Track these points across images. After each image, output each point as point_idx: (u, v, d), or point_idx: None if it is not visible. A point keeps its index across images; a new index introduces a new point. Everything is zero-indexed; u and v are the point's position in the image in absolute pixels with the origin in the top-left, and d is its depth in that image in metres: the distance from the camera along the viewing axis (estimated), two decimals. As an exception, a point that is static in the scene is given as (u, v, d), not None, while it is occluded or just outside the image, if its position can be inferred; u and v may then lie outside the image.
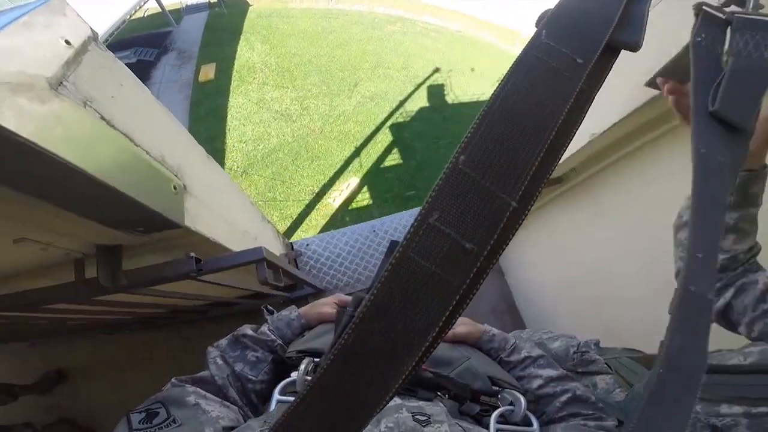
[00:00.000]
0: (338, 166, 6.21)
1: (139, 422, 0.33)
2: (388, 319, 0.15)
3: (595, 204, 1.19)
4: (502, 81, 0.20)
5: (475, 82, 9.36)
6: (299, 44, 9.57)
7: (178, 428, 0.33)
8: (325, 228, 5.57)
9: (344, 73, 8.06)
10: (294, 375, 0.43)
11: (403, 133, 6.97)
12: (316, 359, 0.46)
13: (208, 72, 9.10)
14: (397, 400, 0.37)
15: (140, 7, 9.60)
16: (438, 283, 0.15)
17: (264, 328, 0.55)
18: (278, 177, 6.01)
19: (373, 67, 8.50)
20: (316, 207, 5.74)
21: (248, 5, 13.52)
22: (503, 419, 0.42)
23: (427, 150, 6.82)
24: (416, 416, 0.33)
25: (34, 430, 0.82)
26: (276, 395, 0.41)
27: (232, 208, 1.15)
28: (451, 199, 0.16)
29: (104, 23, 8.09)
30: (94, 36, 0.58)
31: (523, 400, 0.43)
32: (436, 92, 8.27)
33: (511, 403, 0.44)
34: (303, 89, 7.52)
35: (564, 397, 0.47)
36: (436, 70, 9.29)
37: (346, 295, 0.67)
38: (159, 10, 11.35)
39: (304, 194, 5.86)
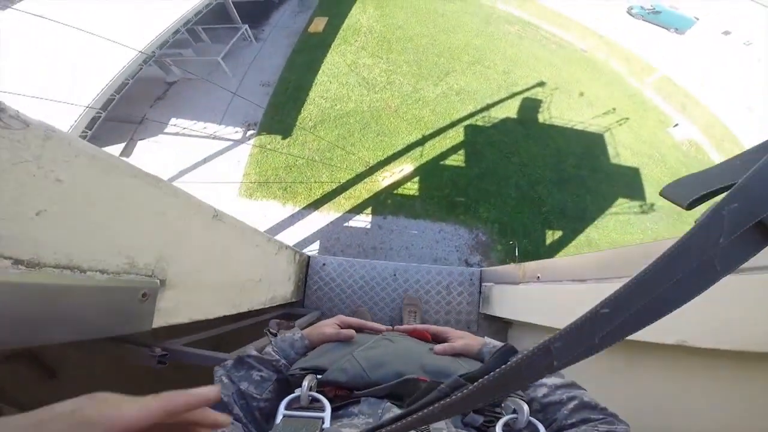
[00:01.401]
0: (400, 147, 6.12)
1: None
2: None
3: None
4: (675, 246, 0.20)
5: (578, 108, 8.42)
6: (408, 19, 9.41)
7: None
8: (365, 204, 5.62)
9: (440, 59, 7.76)
10: (298, 391, 0.44)
11: (477, 137, 6.55)
12: (319, 376, 0.47)
13: (318, 24, 9.56)
14: (396, 411, 0.37)
15: None
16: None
17: (268, 348, 0.56)
18: (342, 141, 6.16)
19: (472, 62, 8.01)
20: (364, 180, 5.79)
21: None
22: (508, 427, 0.41)
23: (495, 162, 6.33)
24: None
25: None
26: (282, 410, 0.42)
27: (238, 260, 1.03)
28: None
29: None
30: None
31: (525, 406, 0.41)
32: (530, 106, 7.55)
33: (514, 411, 0.42)
34: (395, 63, 7.46)
35: (571, 404, 0.46)
36: (540, 83, 8.41)
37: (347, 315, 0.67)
38: None
39: (358, 165, 5.93)
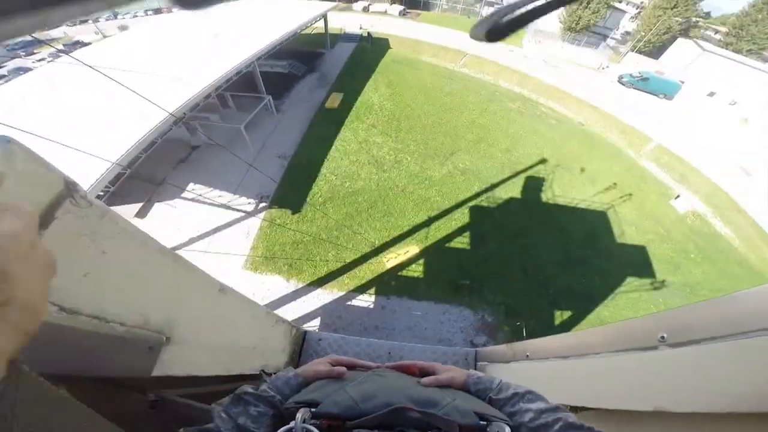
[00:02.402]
0: (405, 229, 6.25)
1: None
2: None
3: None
4: None
5: (580, 186, 8.71)
6: (416, 97, 10.27)
7: None
8: (369, 284, 5.60)
9: (445, 139, 8.28)
10: (292, 423, 0.48)
11: (482, 219, 6.69)
12: (312, 409, 0.50)
13: (335, 100, 10.47)
14: None
15: (312, 24, 11.50)
16: None
17: (264, 386, 0.60)
18: (349, 220, 6.33)
19: (476, 141, 8.53)
20: (370, 261, 5.83)
21: (389, 48, 15.37)
22: None
23: (501, 245, 6.38)
24: None
25: None
26: None
27: (237, 329, 1.19)
28: None
29: (281, 30, 9.73)
30: (70, 189, 0.44)
31: (507, 429, 0.45)
32: (534, 185, 7.80)
33: None
34: (403, 142, 7.96)
35: (557, 426, 0.48)
36: (542, 161, 8.83)
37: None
38: (322, 30, 13.71)
39: (364, 245, 6.02)
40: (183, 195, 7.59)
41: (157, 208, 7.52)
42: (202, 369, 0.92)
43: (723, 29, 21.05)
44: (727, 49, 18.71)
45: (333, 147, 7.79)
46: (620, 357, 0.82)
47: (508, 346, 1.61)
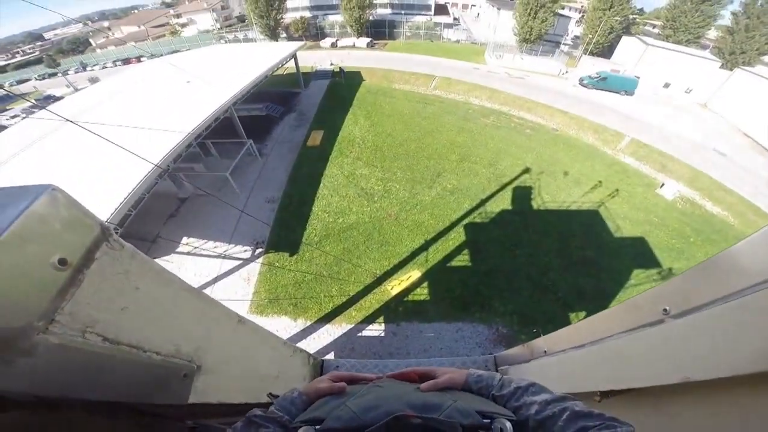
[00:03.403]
0: (404, 255, 6.20)
1: None
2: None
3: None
4: None
5: (567, 188, 8.91)
6: (395, 126, 10.65)
7: None
8: (377, 313, 5.47)
9: (430, 162, 8.50)
10: None
11: (478, 235, 6.71)
12: (317, 426, 0.51)
13: (316, 138, 10.75)
14: None
15: (283, 66, 11.94)
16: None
17: (272, 408, 0.62)
18: (347, 254, 6.27)
19: (460, 160, 8.77)
20: (374, 291, 5.72)
21: (362, 80, 16.16)
22: None
23: (501, 257, 6.35)
24: None
25: None
26: None
27: (258, 358, 1.25)
28: None
29: (253, 74, 9.70)
30: (105, 234, 0.49)
31: (508, 424, 0.45)
32: (522, 195, 7.94)
33: (501, 431, 0.46)
34: (389, 171, 8.11)
35: (564, 416, 0.47)
36: (526, 170, 9.07)
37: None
38: (294, 70, 14.28)
39: (365, 276, 5.92)
40: (178, 249, 7.48)
41: (150, 268, 7.34)
42: (232, 396, 0.97)
43: (658, 23, 22.83)
44: (667, 41, 20.24)
45: (321, 184, 7.87)
46: (633, 336, 0.82)
47: (525, 346, 1.61)
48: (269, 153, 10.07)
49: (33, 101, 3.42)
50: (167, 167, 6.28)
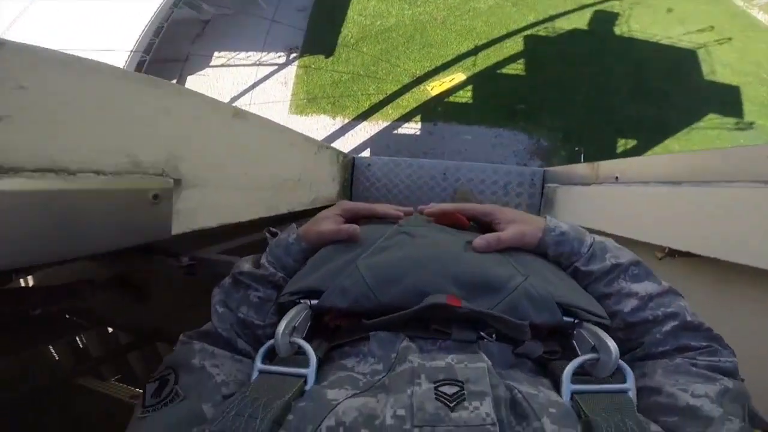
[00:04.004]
0: (449, 58, 5.66)
1: (151, 395, 0.29)
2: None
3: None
4: None
5: (665, 24, 7.01)
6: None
7: (179, 404, 0.28)
8: (414, 112, 5.32)
9: (494, -32, 6.91)
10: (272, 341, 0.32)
11: (540, 48, 5.83)
12: (314, 301, 0.35)
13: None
14: (414, 359, 0.24)
15: None
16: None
17: (263, 259, 0.44)
18: (386, 55, 5.87)
19: (531, -28, 7.05)
20: (412, 90, 5.49)
21: None
22: (582, 370, 0.28)
23: (563, 72, 5.61)
24: (440, 388, 0.21)
25: (93, 287, 0.89)
26: (258, 363, 0.30)
27: (269, 159, 0.96)
28: None
29: None
30: None
31: (613, 347, 0.27)
32: (605, 19, 6.50)
33: (593, 348, 0.29)
34: (440, -26, 6.79)
35: (669, 326, 0.34)
36: (614, -4, 7.21)
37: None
38: None
39: (404, 76, 5.60)
40: (212, 63, 7.50)
41: (190, 80, 7.54)
42: (237, 214, 0.75)
43: None
44: None
45: (356, -12, 6.88)
46: (762, 191, 0.55)
47: (589, 165, 1.32)
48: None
49: None
50: None
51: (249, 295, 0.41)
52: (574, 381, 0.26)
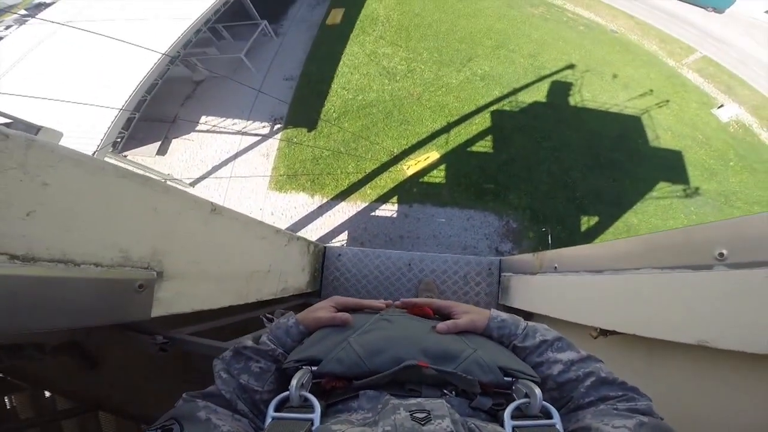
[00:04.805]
0: (424, 135, 6.00)
1: None
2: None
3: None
4: None
5: (612, 91, 7.87)
6: (425, 5, 9.17)
7: None
8: (391, 192, 5.56)
9: (461, 45, 7.52)
10: (287, 392, 0.40)
11: (505, 123, 6.29)
12: (314, 368, 0.44)
13: (336, 16, 9.53)
14: (395, 402, 0.35)
15: None
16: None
17: (264, 338, 0.53)
18: (366, 131, 6.11)
19: (496, 47, 7.71)
20: (390, 170, 5.72)
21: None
22: (520, 412, 0.38)
23: (525, 148, 6.06)
24: (414, 414, 0.31)
25: (42, 350, 0.91)
26: (270, 412, 0.38)
27: (242, 253, 1.03)
28: None
29: None
30: None
31: (537, 390, 0.38)
32: (560, 90, 7.18)
33: (526, 395, 0.39)
34: (415, 51, 7.30)
35: (588, 381, 0.43)
36: (570, 66, 7.94)
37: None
38: None
39: (382, 154, 5.86)
40: (198, 128, 7.51)
41: (176, 144, 7.51)
42: (210, 302, 0.82)
43: None
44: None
45: (341, 63, 7.26)
46: (665, 276, 0.66)
47: (535, 255, 1.47)
48: (286, 33, 9.15)
49: (24, 11, 3.02)
50: (177, 53, 5.99)
51: (250, 366, 0.48)
52: (513, 419, 0.35)
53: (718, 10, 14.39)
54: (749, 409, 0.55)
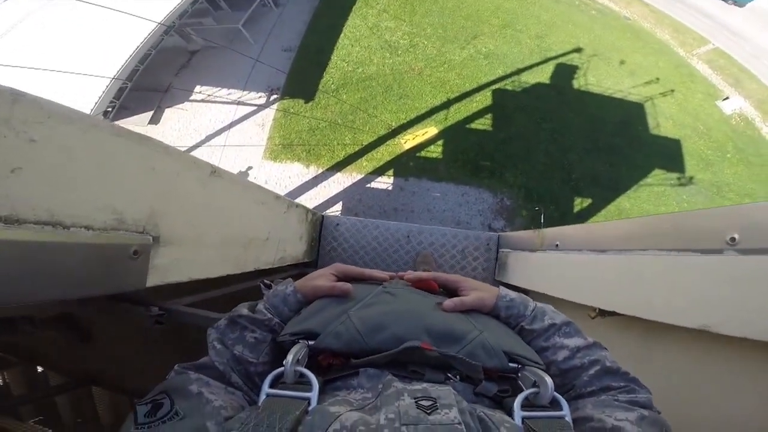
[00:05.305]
0: (423, 111, 5.93)
1: (145, 415, 0.31)
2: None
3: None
4: None
5: (617, 76, 7.75)
6: (433, -19, 8.91)
7: (180, 421, 0.31)
8: (387, 165, 5.54)
9: (467, 23, 7.34)
10: (282, 368, 0.38)
11: (506, 102, 6.22)
12: (311, 342, 0.41)
13: (339, -11, 9.27)
14: (398, 385, 0.33)
15: None
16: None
17: (260, 306, 0.50)
18: (364, 104, 6.04)
19: (502, 26, 7.53)
20: (387, 143, 5.68)
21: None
22: (527, 401, 0.36)
23: (525, 127, 6.01)
24: (420, 402, 0.29)
25: (33, 324, 0.88)
26: (265, 388, 0.35)
27: (240, 218, 0.98)
28: None
29: None
30: None
31: (549, 380, 0.36)
32: (565, 72, 7.05)
33: (534, 384, 0.37)
34: (418, 26, 7.13)
35: (593, 370, 0.42)
36: (577, 49, 7.77)
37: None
38: None
39: (380, 127, 5.80)
40: (192, 98, 7.36)
41: (169, 113, 7.39)
42: (208, 270, 0.78)
43: None
44: None
45: (342, 35, 7.09)
46: (672, 258, 0.64)
47: (536, 232, 1.44)
48: (286, 3, 8.90)
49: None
50: (172, 23, 5.82)
51: (245, 336, 0.45)
52: (522, 409, 0.34)
53: (739, 3, 14.00)
54: (747, 397, 0.54)
